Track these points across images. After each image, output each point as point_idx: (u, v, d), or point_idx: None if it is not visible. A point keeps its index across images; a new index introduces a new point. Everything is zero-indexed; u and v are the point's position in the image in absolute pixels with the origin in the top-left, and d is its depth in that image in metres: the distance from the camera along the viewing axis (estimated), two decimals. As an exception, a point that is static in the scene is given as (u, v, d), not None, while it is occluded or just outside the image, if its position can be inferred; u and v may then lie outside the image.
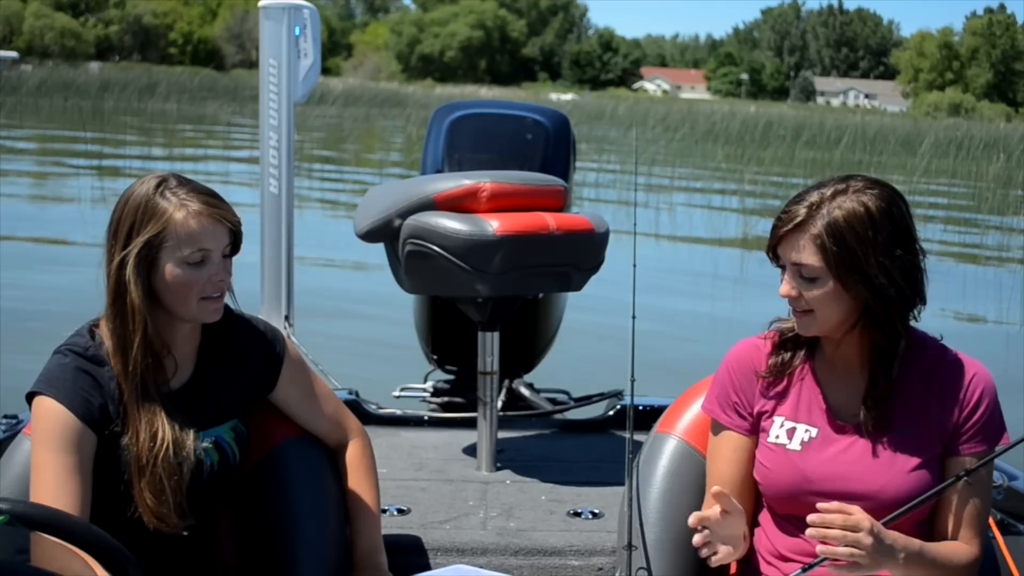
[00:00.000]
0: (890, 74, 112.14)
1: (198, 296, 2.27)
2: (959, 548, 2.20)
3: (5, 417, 3.47)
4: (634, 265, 3.10)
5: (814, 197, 2.15)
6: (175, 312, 2.29)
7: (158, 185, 2.28)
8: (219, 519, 2.50)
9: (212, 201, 2.28)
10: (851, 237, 2.10)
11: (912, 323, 2.23)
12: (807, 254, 2.13)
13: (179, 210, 2.24)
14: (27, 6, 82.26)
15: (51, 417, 2.22)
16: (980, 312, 10.34)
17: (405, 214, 3.40)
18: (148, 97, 36.96)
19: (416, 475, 3.59)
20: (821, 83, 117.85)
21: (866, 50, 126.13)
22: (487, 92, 64.15)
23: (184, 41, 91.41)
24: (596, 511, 3.29)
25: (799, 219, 2.14)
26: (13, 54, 61.10)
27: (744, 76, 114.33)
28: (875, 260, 2.10)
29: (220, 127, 28.95)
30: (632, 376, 2.72)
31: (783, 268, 2.21)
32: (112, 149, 22.00)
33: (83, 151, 21.32)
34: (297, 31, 4.37)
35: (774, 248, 2.21)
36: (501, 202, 3.39)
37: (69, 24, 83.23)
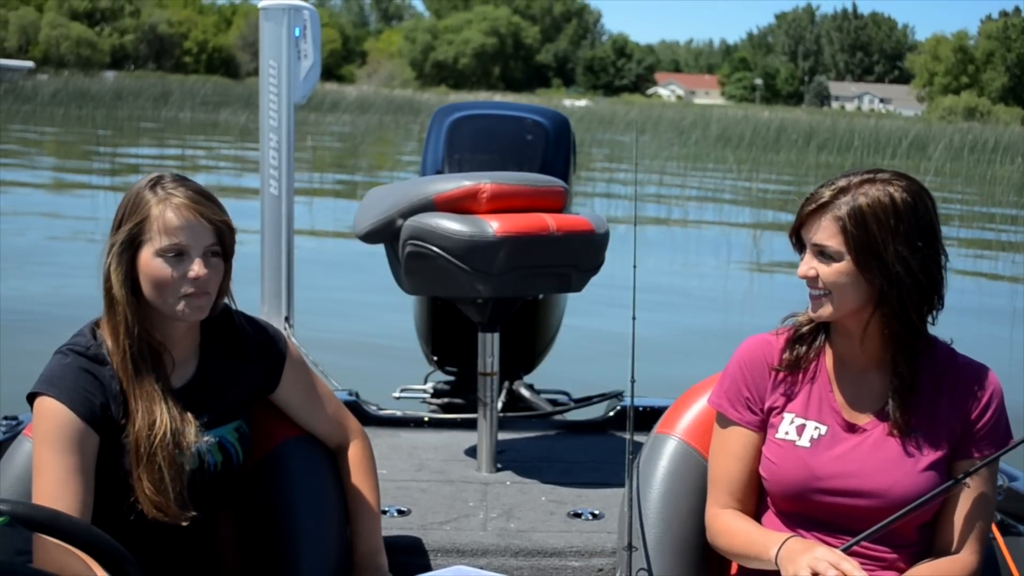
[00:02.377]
0: (905, 78, 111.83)
1: (175, 292, 2.26)
2: (956, 567, 2.20)
3: (5, 418, 3.46)
4: (634, 266, 3.09)
5: (841, 183, 2.19)
6: (157, 307, 2.29)
7: (153, 180, 2.30)
8: (220, 519, 2.50)
9: (196, 198, 2.28)
10: (873, 223, 2.12)
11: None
12: (828, 234, 2.16)
13: (160, 203, 2.25)
14: (43, 16, 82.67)
15: (53, 417, 2.22)
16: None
17: (405, 215, 3.40)
18: (162, 105, 37.13)
19: (416, 476, 3.59)
20: (836, 87, 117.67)
21: (881, 54, 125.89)
22: (501, 99, 64.15)
23: (199, 50, 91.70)
24: (596, 512, 3.28)
25: (823, 200, 2.17)
26: (29, 63, 61.34)
27: (758, 81, 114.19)
28: (894, 248, 2.12)
29: (230, 134, 29.04)
30: (632, 377, 2.72)
31: (803, 250, 2.23)
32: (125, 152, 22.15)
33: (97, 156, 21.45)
34: (297, 32, 4.38)
35: (798, 230, 2.23)
36: (501, 203, 3.39)
37: (85, 33, 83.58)
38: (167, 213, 2.24)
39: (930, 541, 2.25)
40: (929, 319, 2.22)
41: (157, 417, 2.26)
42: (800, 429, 2.27)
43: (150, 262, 2.25)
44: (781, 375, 2.31)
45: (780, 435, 2.29)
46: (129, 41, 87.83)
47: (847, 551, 2.12)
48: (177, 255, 2.25)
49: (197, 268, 2.25)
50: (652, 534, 2.41)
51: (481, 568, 2.76)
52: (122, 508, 2.26)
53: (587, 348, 7.33)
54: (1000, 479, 3.18)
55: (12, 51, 75.11)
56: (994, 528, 2.67)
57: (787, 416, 2.29)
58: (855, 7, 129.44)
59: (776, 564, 2.14)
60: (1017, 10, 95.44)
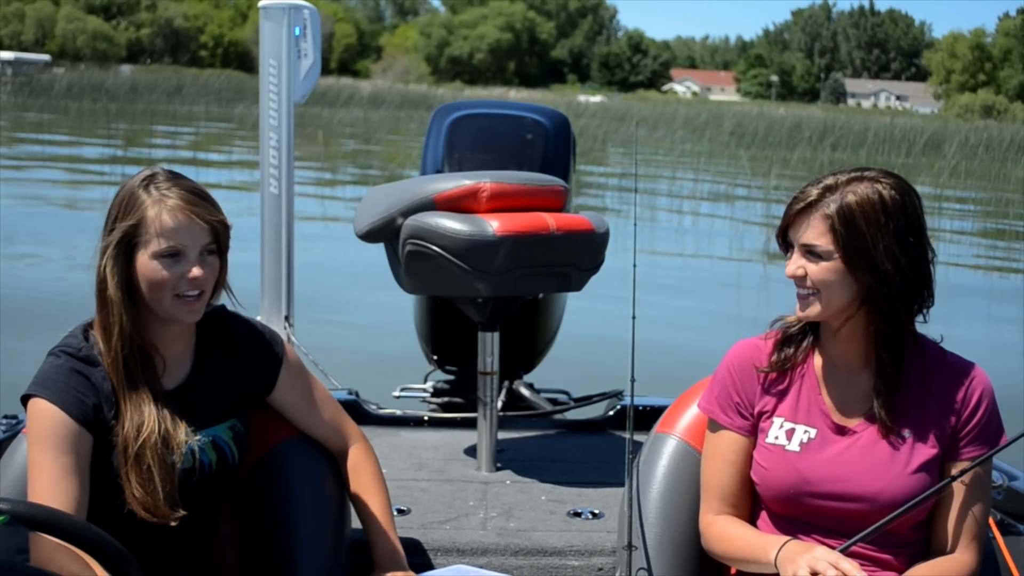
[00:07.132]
0: (922, 76, 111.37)
1: (172, 293, 2.26)
2: (954, 566, 2.19)
3: (5, 417, 3.48)
4: (634, 265, 3.11)
5: (828, 181, 2.18)
6: (153, 308, 2.29)
7: (145, 179, 2.28)
8: (219, 519, 2.51)
9: (192, 198, 2.27)
10: (862, 221, 2.12)
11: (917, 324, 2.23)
12: (817, 233, 2.15)
13: (156, 204, 2.24)
14: (60, 9, 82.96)
15: (46, 419, 2.23)
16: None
17: (405, 214, 3.40)
18: (177, 99, 37.21)
19: (416, 475, 3.59)
20: (852, 85, 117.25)
21: (897, 51, 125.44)
22: (516, 94, 64.17)
23: (215, 44, 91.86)
24: (596, 511, 3.28)
25: (811, 199, 2.17)
26: (45, 57, 61.59)
27: (774, 78, 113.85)
28: (883, 246, 2.12)
29: (244, 128, 29.12)
30: (632, 376, 2.72)
31: (790, 250, 2.22)
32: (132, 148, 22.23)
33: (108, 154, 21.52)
34: (297, 31, 4.38)
35: (785, 230, 2.23)
36: (501, 202, 3.39)
37: (101, 27, 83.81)
38: (163, 215, 2.23)
39: (927, 541, 2.24)
40: (921, 317, 2.22)
41: (145, 419, 2.26)
42: (790, 433, 2.27)
43: (146, 264, 2.25)
44: (770, 379, 2.31)
45: (770, 440, 2.28)
46: (145, 35, 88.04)
47: (844, 552, 2.12)
48: (173, 256, 2.25)
49: (195, 271, 2.25)
50: (652, 533, 2.41)
51: (481, 567, 2.77)
52: (116, 508, 2.27)
53: (587, 347, 7.31)
54: (999, 478, 3.18)
55: (29, 44, 75.51)
56: (994, 528, 2.67)
57: (776, 420, 2.29)
58: (872, 4, 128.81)
59: (776, 567, 2.14)
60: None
